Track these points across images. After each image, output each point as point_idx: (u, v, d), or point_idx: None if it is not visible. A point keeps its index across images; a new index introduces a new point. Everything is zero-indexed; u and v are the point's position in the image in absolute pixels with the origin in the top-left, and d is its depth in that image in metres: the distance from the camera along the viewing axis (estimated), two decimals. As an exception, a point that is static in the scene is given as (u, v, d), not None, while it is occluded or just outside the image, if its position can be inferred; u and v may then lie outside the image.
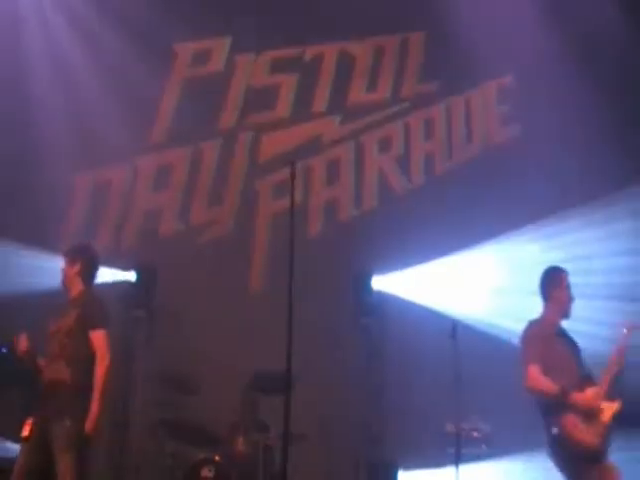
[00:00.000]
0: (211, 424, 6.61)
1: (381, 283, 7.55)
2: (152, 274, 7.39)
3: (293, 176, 5.08)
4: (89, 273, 5.36)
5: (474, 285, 7.45)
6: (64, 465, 4.84)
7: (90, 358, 5.06)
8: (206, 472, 6.33)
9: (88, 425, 4.87)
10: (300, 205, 7.63)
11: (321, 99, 8.42)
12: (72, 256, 5.35)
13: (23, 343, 5.16)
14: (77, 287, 5.32)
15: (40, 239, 7.08)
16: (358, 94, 8.44)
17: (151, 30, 7.82)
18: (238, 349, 7.22)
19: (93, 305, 5.24)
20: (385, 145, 8.35)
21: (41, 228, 7.21)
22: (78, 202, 7.90)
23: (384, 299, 7.51)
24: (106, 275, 7.24)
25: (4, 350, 6.21)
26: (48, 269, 6.85)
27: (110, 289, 7.19)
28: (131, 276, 7.42)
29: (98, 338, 5.10)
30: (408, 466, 6.84)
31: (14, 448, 5.68)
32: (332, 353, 7.32)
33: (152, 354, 7.14)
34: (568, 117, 7.58)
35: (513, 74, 8.26)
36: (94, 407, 4.92)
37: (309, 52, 8.48)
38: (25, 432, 4.92)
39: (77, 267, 5.31)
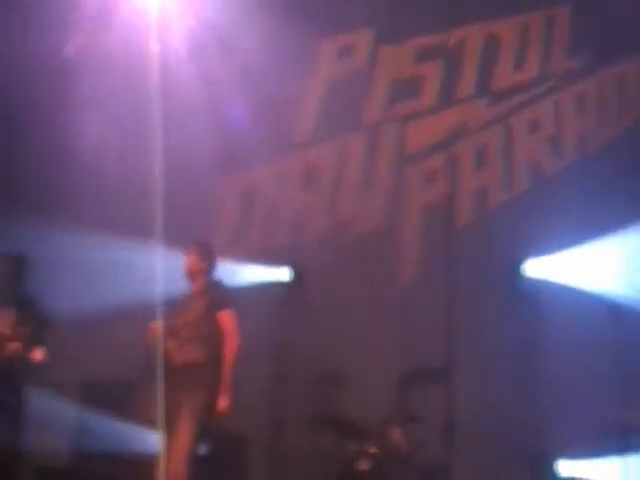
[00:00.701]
0: (363, 417, 6.62)
1: (535, 269, 7.31)
2: (303, 271, 7.52)
3: (449, 161, 5.15)
4: (213, 269, 5.83)
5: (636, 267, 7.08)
6: (183, 430, 5.20)
7: (219, 339, 5.48)
8: (362, 465, 6.35)
9: (221, 399, 5.31)
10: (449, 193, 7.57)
11: (467, 84, 8.23)
12: (202, 253, 5.81)
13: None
14: (200, 281, 5.74)
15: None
16: (504, 75, 8.18)
17: (293, 28, 7.92)
18: (389, 341, 7.20)
19: (219, 290, 5.73)
20: (535, 126, 8.06)
21: (192, 233, 7.48)
22: (227, 205, 8.14)
23: (538, 285, 7.27)
24: (259, 274, 7.49)
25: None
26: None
27: (262, 288, 7.43)
28: (283, 274, 7.57)
29: (227, 318, 5.54)
30: (569, 457, 6.59)
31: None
32: (486, 342, 7.15)
33: (304, 350, 7.25)
34: None
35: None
36: (225, 382, 5.34)
37: (453, 37, 8.33)
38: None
39: (204, 264, 5.77)
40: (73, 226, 7.11)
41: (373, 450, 6.35)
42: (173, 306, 5.64)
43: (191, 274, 5.75)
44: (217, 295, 5.66)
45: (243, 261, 7.41)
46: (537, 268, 7.34)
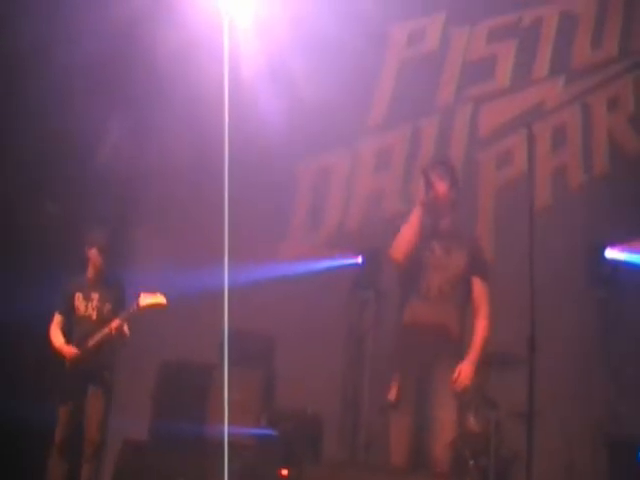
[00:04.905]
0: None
1: (616, 252, 7.12)
2: (377, 255, 7.46)
3: (530, 139, 4.78)
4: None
5: None
6: (449, 411, 4.58)
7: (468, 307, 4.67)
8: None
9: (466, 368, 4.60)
10: (526, 174, 7.39)
11: (542, 63, 8.05)
12: (452, 180, 4.69)
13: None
14: (447, 218, 4.73)
15: (268, 230, 7.39)
16: (582, 53, 7.97)
17: (365, 13, 7.87)
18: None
19: (481, 250, 4.81)
20: (614, 105, 7.84)
21: (268, 220, 7.51)
22: (302, 188, 8.14)
23: (620, 269, 7.07)
24: (333, 259, 7.48)
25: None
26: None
27: (337, 272, 7.40)
28: (357, 259, 7.53)
29: (482, 288, 4.69)
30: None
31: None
32: (566, 327, 7.00)
33: (380, 335, 7.20)
34: None
35: None
36: (474, 355, 4.62)
37: (527, 17, 8.14)
38: (391, 395, 4.59)
39: (454, 194, 4.71)
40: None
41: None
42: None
43: (439, 207, 4.64)
44: (476, 254, 4.69)
45: (318, 244, 7.41)
46: (618, 251, 7.15)
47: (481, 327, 4.69)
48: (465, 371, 4.63)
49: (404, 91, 8.15)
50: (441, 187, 4.64)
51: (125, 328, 5.86)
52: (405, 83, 8.19)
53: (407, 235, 4.61)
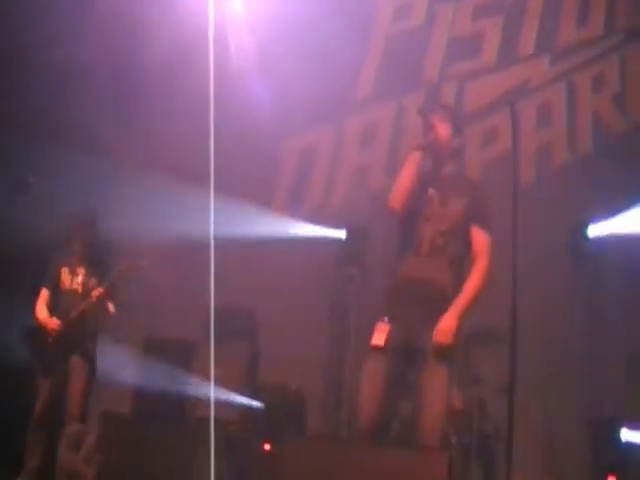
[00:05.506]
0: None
1: (599, 228, 7.16)
2: (363, 231, 7.47)
3: (514, 117, 4.43)
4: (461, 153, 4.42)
5: None
6: (438, 378, 4.10)
7: (466, 261, 4.25)
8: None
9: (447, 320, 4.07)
10: (510, 152, 7.38)
11: (528, 41, 8.02)
12: (456, 125, 4.38)
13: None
14: (449, 165, 4.37)
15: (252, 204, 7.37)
16: (568, 31, 7.95)
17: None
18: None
19: (483, 197, 4.34)
20: (599, 83, 7.84)
21: (253, 194, 7.47)
22: (286, 165, 8.12)
23: (603, 245, 7.11)
24: (317, 234, 7.48)
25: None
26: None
27: (321, 248, 7.40)
28: (341, 234, 7.53)
29: (482, 238, 4.26)
30: (633, 421, 6.46)
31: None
32: (548, 304, 7.03)
33: (365, 310, 7.22)
34: None
35: None
36: (459, 306, 4.13)
37: (513, -7, 8.14)
38: (379, 340, 4.18)
39: (458, 142, 4.38)
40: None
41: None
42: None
43: (439, 152, 4.30)
44: (477, 201, 4.28)
45: (301, 220, 7.39)
46: (602, 227, 7.18)
47: (473, 280, 4.20)
48: (443, 327, 4.09)
49: (390, 67, 8.12)
50: (442, 130, 4.30)
51: (110, 305, 5.86)
52: (391, 59, 8.16)
53: (404, 182, 4.24)
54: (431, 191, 4.29)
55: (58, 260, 6.04)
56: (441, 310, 4.16)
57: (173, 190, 7.16)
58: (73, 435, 5.67)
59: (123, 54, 7.53)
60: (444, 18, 8.23)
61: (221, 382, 6.19)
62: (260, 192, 7.65)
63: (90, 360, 5.89)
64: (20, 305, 6.13)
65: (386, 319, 4.23)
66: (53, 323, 5.81)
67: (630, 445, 6.38)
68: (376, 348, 4.16)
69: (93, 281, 5.94)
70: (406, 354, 4.15)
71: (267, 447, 6.40)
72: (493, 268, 4.35)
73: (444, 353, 4.10)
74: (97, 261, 6.05)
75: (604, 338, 7.00)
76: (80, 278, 5.96)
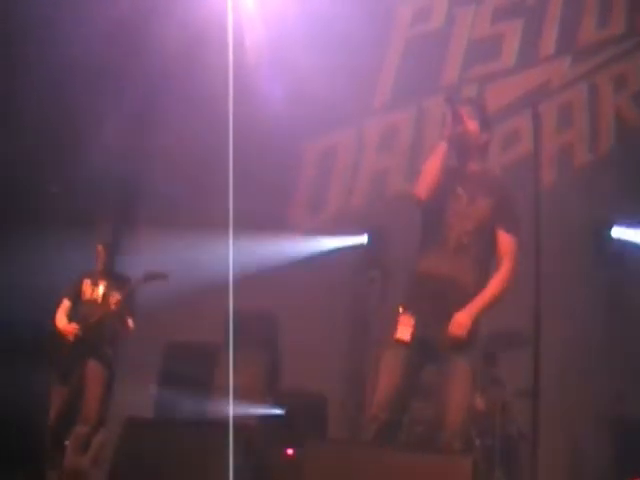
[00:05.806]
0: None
1: (623, 231, 7.09)
2: (383, 235, 7.45)
3: (535, 119, 4.32)
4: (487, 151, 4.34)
5: None
6: (460, 380, 4.08)
7: (491, 262, 4.21)
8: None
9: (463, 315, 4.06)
10: (531, 154, 7.34)
11: (548, 42, 7.98)
12: (484, 120, 4.29)
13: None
14: (476, 162, 4.31)
15: (270, 209, 7.37)
16: (589, 32, 7.90)
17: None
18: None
19: (510, 198, 4.27)
20: (621, 83, 7.77)
21: (270, 198, 7.47)
22: (306, 169, 8.11)
23: (626, 248, 7.05)
24: (338, 239, 7.47)
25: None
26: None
27: (343, 252, 7.39)
28: (362, 238, 7.51)
29: (508, 241, 4.20)
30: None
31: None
32: (572, 306, 6.97)
33: (386, 314, 7.18)
34: None
35: None
36: (478, 302, 4.10)
37: (532, -6, 8.10)
38: (404, 335, 4.16)
39: (487, 136, 4.33)
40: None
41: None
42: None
43: (467, 145, 4.22)
44: (503, 202, 4.21)
45: (322, 225, 7.39)
46: (624, 230, 7.12)
47: (495, 281, 4.17)
48: (458, 320, 4.07)
49: (409, 70, 8.10)
50: (471, 124, 4.23)
51: (130, 321, 5.94)
52: (410, 62, 8.13)
53: (431, 171, 4.15)
54: (459, 188, 4.23)
55: (82, 273, 6.16)
56: (461, 307, 4.14)
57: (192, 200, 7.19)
58: (82, 436, 5.69)
59: (137, 55, 7.55)
60: (464, 20, 8.21)
61: (241, 388, 6.19)
62: (279, 196, 7.66)
63: (108, 366, 5.92)
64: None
65: (401, 309, 4.23)
66: (71, 327, 5.86)
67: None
68: (400, 342, 4.14)
69: (114, 294, 6.02)
70: (424, 349, 4.14)
71: (289, 452, 6.37)
72: (517, 273, 4.32)
73: (458, 346, 4.08)
74: (118, 277, 6.16)
75: (628, 339, 6.94)
76: (101, 290, 6.06)
